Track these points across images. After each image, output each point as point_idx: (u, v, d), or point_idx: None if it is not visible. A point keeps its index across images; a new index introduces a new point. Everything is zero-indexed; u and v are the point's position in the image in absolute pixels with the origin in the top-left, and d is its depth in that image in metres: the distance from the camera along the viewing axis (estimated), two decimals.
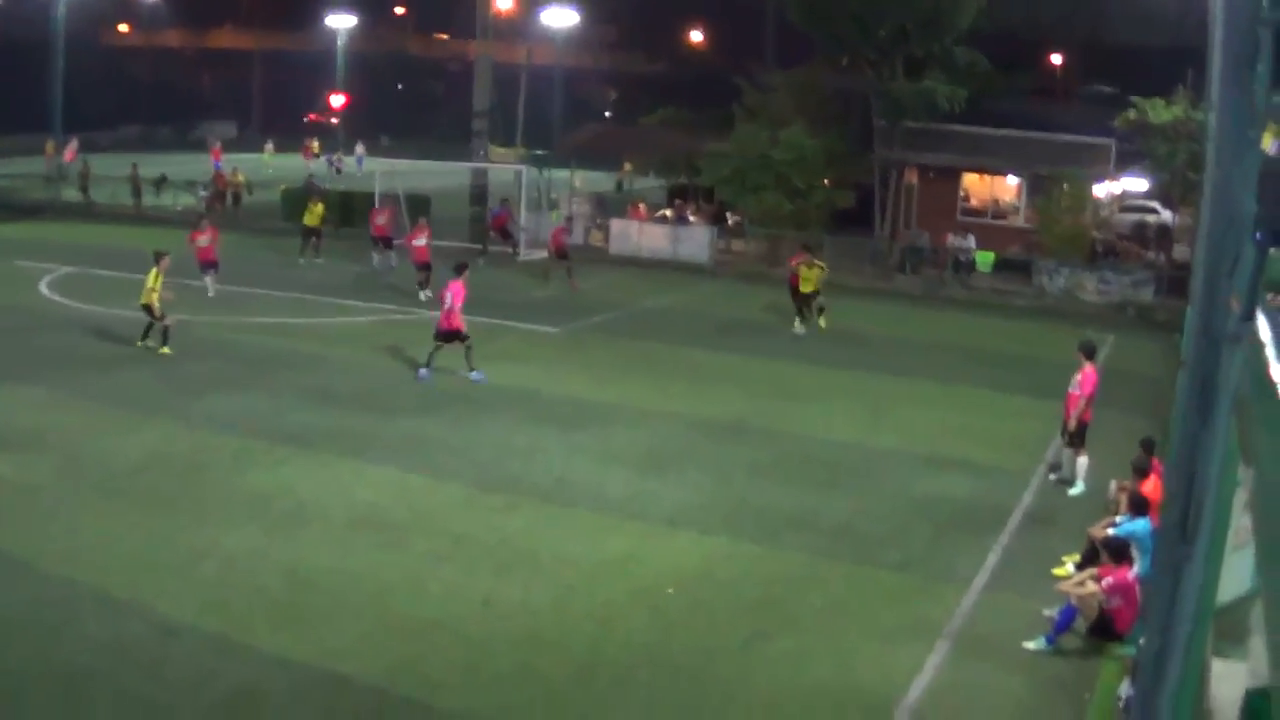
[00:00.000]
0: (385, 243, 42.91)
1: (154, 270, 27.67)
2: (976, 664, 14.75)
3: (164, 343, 27.81)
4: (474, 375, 26.73)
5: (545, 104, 70.49)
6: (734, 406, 25.70)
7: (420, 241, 37.87)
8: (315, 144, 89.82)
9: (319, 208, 45.86)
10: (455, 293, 26.63)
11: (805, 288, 34.22)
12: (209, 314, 32.88)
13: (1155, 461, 17.68)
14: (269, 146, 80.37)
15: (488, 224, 50.16)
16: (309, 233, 44.74)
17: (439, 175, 59.58)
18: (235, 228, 49.12)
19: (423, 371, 26.86)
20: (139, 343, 28.08)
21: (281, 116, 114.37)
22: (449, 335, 26.78)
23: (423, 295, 36.15)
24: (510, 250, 48.48)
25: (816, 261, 34.81)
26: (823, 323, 33.81)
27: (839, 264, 46.38)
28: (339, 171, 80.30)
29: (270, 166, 73.79)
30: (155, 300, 27.55)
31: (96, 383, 25.39)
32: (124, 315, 30.14)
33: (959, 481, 21.88)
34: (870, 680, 14.16)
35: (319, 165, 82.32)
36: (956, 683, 14.26)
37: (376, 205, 45.62)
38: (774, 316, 37.00)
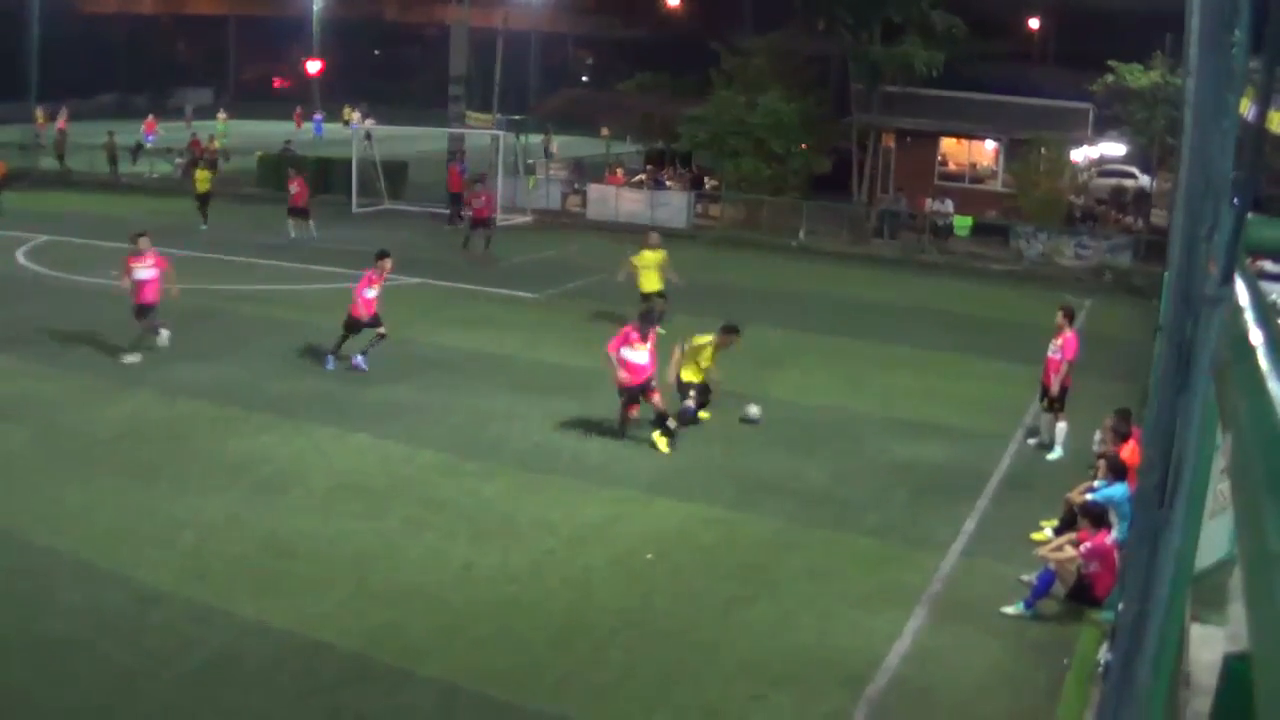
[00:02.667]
0: (302, 212, 42.49)
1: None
2: (955, 629, 14.80)
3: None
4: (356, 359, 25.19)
5: (522, 69, 70.40)
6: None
7: (478, 202, 39.45)
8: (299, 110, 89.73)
9: (206, 174, 45.82)
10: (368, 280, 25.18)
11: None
12: (185, 282, 32.75)
13: (1134, 427, 17.72)
14: (221, 115, 78.30)
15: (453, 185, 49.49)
16: (203, 198, 44.64)
17: (416, 141, 59.41)
18: (212, 195, 48.85)
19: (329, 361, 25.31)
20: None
21: (258, 83, 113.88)
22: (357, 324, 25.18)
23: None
24: (458, 214, 46.86)
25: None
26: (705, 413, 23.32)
27: (817, 229, 46.48)
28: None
29: (225, 136, 72.29)
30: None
31: (74, 351, 25.30)
32: (101, 284, 30.03)
33: (937, 447, 21.92)
34: (849, 645, 14.20)
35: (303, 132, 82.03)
36: (935, 648, 14.31)
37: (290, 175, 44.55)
38: (751, 281, 37.01)
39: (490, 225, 40.80)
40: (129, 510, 17.12)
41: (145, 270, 25.15)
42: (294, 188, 42.65)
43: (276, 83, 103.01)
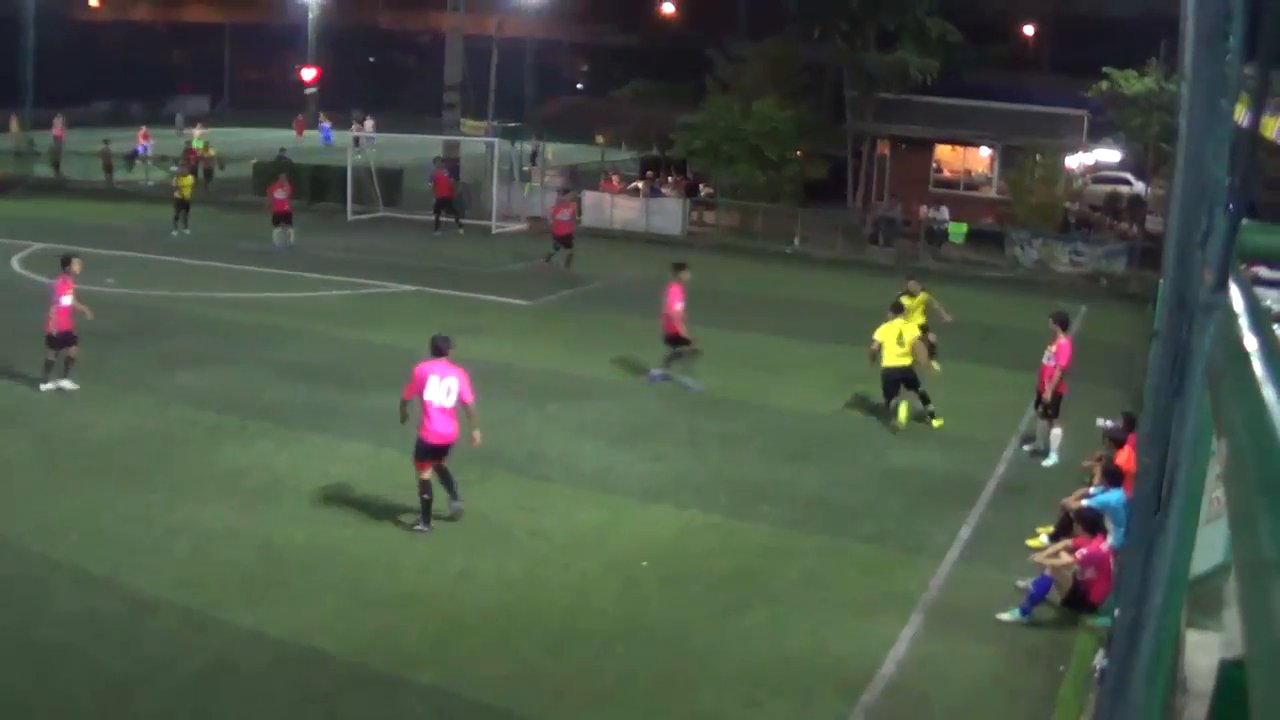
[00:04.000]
0: (285, 219, 41.78)
1: None
2: (951, 636, 14.81)
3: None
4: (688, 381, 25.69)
5: (517, 77, 70.38)
6: (706, 379, 25.68)
7: (563, 216, 38.77)
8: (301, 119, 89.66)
9: (188, 180, 45.07)
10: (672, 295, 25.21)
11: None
12: (182, 289, 32.77)
13: (1130, 433, 17.73)
14: (199, 129, 74.44)
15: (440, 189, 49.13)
16: (181, 204, 43.77)
17: (411, 149, 59.39)
18: (207, 202, 48.80)
19: (655, 372, 25.96)
20: None
21: (254, 91, 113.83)
22: (673, 339, 25.64)
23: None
24: (453, 221, 47.59)
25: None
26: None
27: (812, 236, 46.50)
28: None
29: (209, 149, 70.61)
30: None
31: None
32: (96, 290, 30.01)
33: (932, 453, 21.94)
34: (845, 652, 14.20)
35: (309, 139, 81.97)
36: (931, 654, 14.32)
37: (278, 179, 43.83)
38: (747, 288, 37.04)
39: (571, 243, 39.19)
40: (124, 517, 17.11)
41: (69, 296, 23.60)
42: (279, 193, 41.98)
43: (307, 80, 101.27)
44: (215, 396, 23.18)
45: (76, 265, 24.10)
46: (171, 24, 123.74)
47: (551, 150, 61.52)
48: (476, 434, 17.45)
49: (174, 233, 42.74)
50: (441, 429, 17.21)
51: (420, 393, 17.14)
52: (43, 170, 60.29)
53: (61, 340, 23.28)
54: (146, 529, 16.78)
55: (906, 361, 23.09)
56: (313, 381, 24.48)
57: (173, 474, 18.99)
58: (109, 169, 58.88)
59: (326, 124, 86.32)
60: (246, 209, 50.31)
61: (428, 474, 17.32)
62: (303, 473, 19.30)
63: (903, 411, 23.12)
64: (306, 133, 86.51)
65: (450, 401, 17.18)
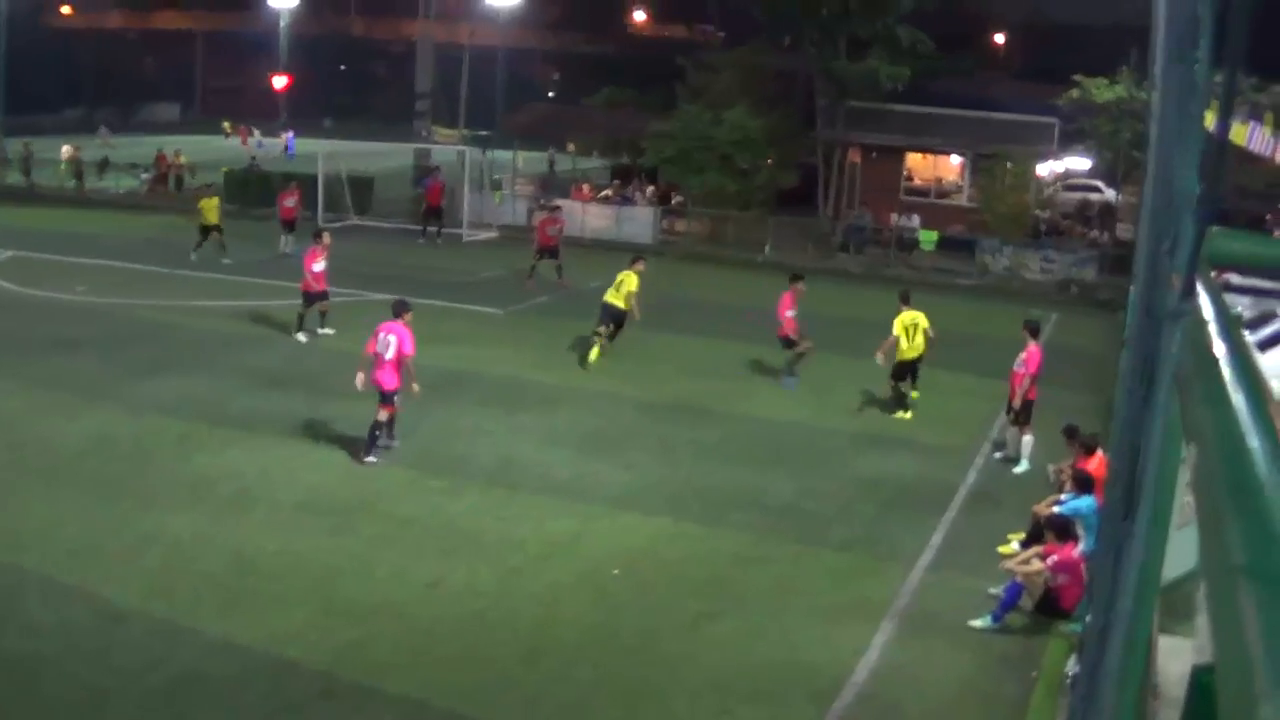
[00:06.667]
0: (290, 225, 42.05)
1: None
2: (923, 642, 14.83)
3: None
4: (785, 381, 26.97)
5: (488, 84, 70.40)
6: (678, 387, 25.72)
7: (553, 230, 38.55)
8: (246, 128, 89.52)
9: (214, 202, 40.67)
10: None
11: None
12: (152, 298, 32.67)
13: (1099, 439, 17.80)
14: (103, 135, 71.33)
15: (424, 199, 49.23)
16: (207, 230, 39.90)
17: (382, 157, 59.34)
18: (177, 210, 48.65)
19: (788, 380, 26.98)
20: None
21: (225, 98, 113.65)
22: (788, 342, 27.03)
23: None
24: (435, 232, 47.85)
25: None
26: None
27: (783, 244, 46.53)
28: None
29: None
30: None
31: (39, 367, 25.15)
32: (66, 299, 29.96)
33: (903, 460, 21.97)
34: (817, 660, 14.21)
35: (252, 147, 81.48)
36: (903, 661, 14.34)
37: (287, 188, 44.08)
38: (718, 296, 37.06)
39: (558, 254, 38.74)
40: (95, 526, 17.03)
41: (320, 263, 28.61)
42: (289, 201, 42.28)
43: (278, 88, 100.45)
44: (185, 405, 23.10)
45: (327, 238, 29.72)
46: (142, 31, 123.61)
47: (522, 159, 61.47)
48: (415, 386, 20.82)
49: (193, 256, 39.42)
50: (381, 377, 20.38)
51: (373, 348, 20.43)
52: (13, 178, 60.07)
53: (318, 297, 28.82)
54: (117, 538, 16.70)
55: (917, 353, 24.64)
56: (283, 389, 24.42)
57: (143, 483, 18.91)
58: (79, 176, 58.70)
59: (290, 133, 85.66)
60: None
61: (383, 416, 20.52)
62: (273, 481, 19.24)
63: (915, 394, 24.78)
64: (267, 141, 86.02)
65: (389, 354, 20.24)
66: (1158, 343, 3.14)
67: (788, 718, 13.06)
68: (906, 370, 24.79)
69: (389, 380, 20.30)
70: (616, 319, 27.55)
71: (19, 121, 65.81)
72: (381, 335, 20.37)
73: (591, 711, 12.98)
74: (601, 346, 27.43)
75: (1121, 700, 3.66)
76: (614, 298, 27.62)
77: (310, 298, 28.77)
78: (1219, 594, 1.83)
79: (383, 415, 20.45)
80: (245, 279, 36.17)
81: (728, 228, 49.08)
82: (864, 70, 49.45)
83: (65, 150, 61.91)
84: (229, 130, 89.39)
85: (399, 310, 20.78)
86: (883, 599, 15.95)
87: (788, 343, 26.91)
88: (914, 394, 24.93)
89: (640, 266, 28.18)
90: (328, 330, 29.04)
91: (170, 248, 39.87)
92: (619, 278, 27.80)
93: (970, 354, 29.69)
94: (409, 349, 20.31)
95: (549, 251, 38.08)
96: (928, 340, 24.56)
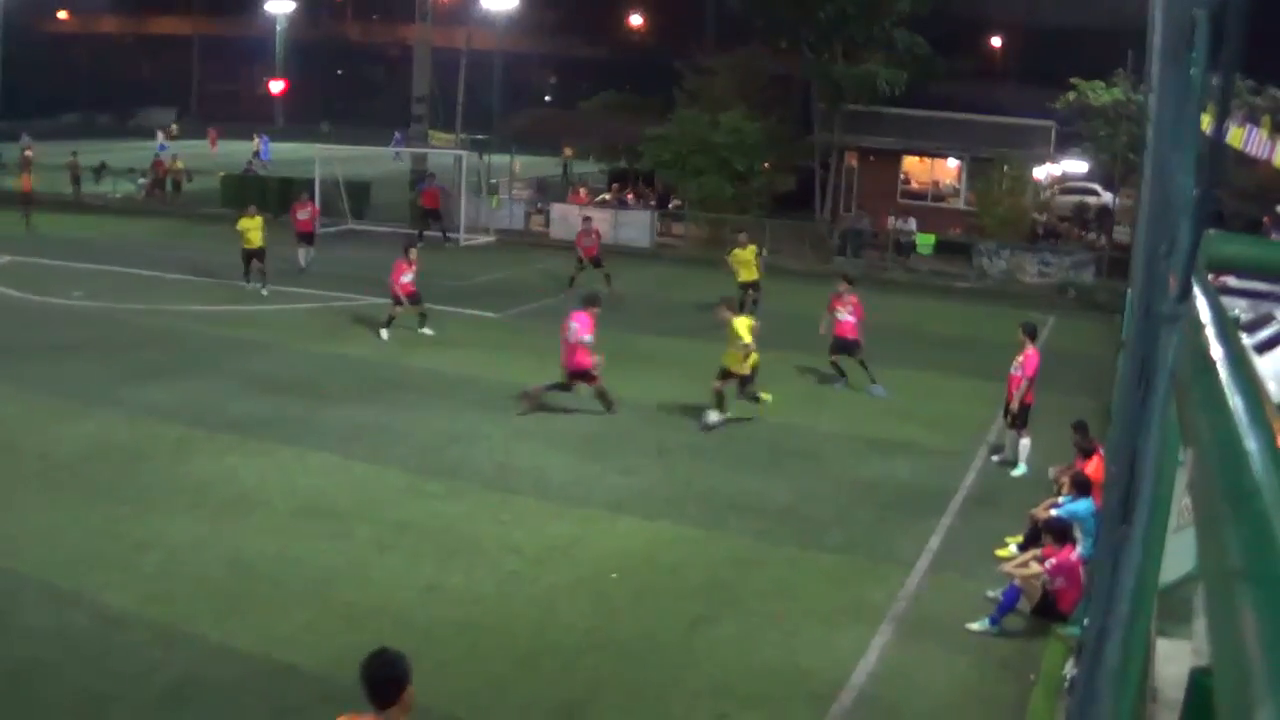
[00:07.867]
0: (308, 238, 40.16)
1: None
2: (921, 646, 14.82)
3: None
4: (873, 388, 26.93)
5: (485, 88, 70.37)
6: (675, 390, 25.70)
7: (588, 242, 38.44)
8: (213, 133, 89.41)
9: (256, 222, 36.04)
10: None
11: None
12: (149, 302, 32.66)
13: (1097, 442, 17.78)
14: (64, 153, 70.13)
15: (420, 202, 49.31)
16: (251, 255, 36.18)
17: (379, 161, 59.30)
18: (175, 215, 48.64)
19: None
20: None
21: (222, 103, 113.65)
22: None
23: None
24: (441, 235, 48.12)
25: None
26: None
27: (780, 247, 46.53)
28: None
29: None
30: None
31: (36, 372, 25.16)
32: (63, 304, 29.95)
33: (901, 464, 21.97)
34: (815, 663, 14.20)
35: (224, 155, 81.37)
36: (901, 665, 14.33)
37: (301, 199, 42.63)
38: (715, 300, 37.07)
39: (600, 262, 38.36)
40: (92, 532, 17.01)
41: (409, 275, 29.88)
42: (304, 213, 40.33)
43: (275, 93, 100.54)
44: (183, 409, 23.09)
45: (414, 253, 30.64)
46: (139, 36, 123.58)
47: (519, 163, 61.44)
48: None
49: (249, 285, 36.20)
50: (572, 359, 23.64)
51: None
52: (10, 183, 59.99)
53: (413, 300, 30.05)
54: (114, 543, 16.69)
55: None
56: (281, 394, 24.41)
57: (141, 487, 18.90)
58: (77, 181, 58.68)
59: (264, 138, 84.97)
60: (217, 221, 50.08)
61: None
62: (271, 486, 19.23)
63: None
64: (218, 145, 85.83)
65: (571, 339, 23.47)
66: (1155, 346, 3.13)
67: None
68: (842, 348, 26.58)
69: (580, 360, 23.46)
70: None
71: (16, 127, 65.62)
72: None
73: (590, 715, 12.96)
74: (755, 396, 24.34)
75: (1120, 703, 3.66)
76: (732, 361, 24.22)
77: (411, 299, 29.98)
78: (1217, 597, 1.83)
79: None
80: (242, 283, 36.04)
81: (725, 232, 49.02)
82: (861, 74, 49.46)
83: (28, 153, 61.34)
84: (166, 136, 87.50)
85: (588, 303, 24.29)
86: (881, 602, 15.94)
87: (854, 347, 27.06)
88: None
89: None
90: (427, 330, 30.15)
91: (166, 252, 39.90)
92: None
93: (967, 357, 29.73)
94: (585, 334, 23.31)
95: (593, 261, 38.06)
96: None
